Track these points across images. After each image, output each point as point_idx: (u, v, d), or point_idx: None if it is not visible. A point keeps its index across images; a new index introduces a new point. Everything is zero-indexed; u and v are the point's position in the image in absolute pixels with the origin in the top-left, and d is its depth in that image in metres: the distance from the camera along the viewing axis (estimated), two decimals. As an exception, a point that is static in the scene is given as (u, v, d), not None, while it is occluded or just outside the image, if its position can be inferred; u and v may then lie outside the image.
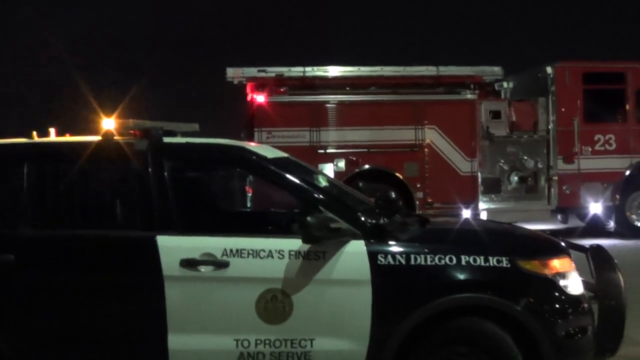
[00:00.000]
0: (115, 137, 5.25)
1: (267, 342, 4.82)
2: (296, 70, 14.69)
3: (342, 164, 14.40)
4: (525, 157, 15.07)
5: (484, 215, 14.58)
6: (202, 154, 5.45)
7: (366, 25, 31.58)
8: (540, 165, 15.09)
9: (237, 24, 30.61)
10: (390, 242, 4.90)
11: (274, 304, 4.83)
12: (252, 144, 6.30)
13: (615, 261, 5.56)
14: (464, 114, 14.72)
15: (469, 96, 14.86)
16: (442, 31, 30.31)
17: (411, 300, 4.81)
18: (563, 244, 5.56)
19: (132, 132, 5.36)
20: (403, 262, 4.83)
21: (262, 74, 14.54)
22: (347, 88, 14.85)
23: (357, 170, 14.42)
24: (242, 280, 4.83)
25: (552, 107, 15.10)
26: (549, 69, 15.21)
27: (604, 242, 11.35)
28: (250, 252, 4.83)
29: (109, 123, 5.42)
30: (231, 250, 4.83)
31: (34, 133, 5.62)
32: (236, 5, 30.01)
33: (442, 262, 4.85)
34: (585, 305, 5.10)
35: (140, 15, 28.93)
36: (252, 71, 14.60)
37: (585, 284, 5.29)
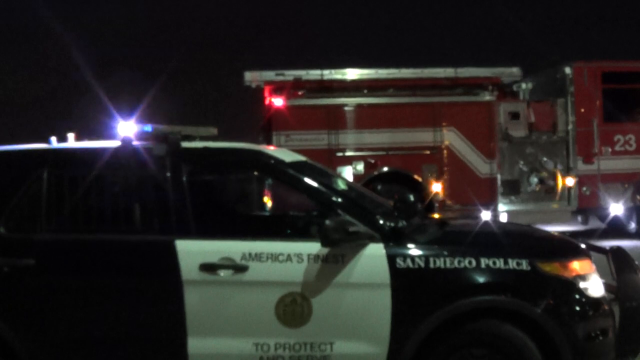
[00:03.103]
0: (133, 142, 5.28)
1: (287, 345, 4.82)
2: (314, 73, 14.70)
3: (360, 166, 14.39)
4: (545, 158, 14.99)
5: (503, 217, 14.52)
6: (220, 158, 5.44)
7: (383, 27, 31.55)
8: (559, 166, 15.00)
9: (254, 27, 30.67)
10: (409, 245, 4.89)
11: (293, 308, 4.83)
12: (271, 147, 6.30)
13: (636, 263, 5.52)
14: (483, 116, 14.68)
15: (487, 97, 14.81)
16: (460, 32, 30.23)
17: (430, 303, 4.79)
18: (583, 245, 5.52)
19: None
20: (422, 265, 4.81)
21: (280, 77, 14.57)
22: (365, 90, 14.84)
23: (375, 172, 14.41)
24: (261, 284, 4.83)
25: (571, 108, 14.99)
26: (567, 69, 15.09)
27: (624, 243, 11.26)
28: (269, 255, 4.83)
29: (127, 127, 5.44)
30: (250, 254, 4.83)
31: (53, 138, 5.65)
32: (253, 8, 30.07)
33: (462, 264, 4.83)
34: (606, 307, 5.06)
35: (156, 19, 29.05)
36: (270, 75, 14.64)
37: (606, 286, 5.26)
